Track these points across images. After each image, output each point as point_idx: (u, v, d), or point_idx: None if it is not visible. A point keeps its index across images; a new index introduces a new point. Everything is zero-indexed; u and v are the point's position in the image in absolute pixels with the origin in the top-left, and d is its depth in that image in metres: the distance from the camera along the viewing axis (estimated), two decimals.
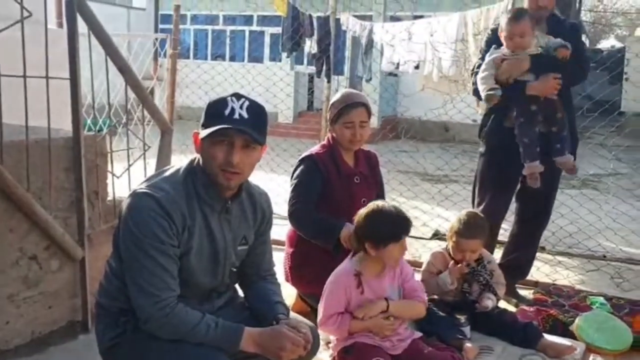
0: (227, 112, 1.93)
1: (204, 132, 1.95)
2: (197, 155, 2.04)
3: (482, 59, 3.44)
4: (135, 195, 1.94)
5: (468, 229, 2.83)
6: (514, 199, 3.66)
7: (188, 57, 16.20)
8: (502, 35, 3.31)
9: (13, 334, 2.78)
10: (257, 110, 1.98)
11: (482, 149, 3.64)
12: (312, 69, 9.65)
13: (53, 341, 2.92)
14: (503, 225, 3.77)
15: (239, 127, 1.91)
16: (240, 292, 2.34)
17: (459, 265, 2.86)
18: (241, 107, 1.95)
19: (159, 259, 1.88)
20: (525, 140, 3.29)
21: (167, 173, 2.03)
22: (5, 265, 2.70)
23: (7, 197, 2.62)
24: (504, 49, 3.32)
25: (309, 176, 3.05)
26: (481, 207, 3.52)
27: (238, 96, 1.98)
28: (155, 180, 1.99)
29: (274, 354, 1.97)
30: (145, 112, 3.44)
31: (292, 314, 2.23)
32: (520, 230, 3.67)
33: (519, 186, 3.54)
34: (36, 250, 2.84)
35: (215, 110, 1.95)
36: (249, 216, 2.15)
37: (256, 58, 16.24)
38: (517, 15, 3.27)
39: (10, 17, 2.62)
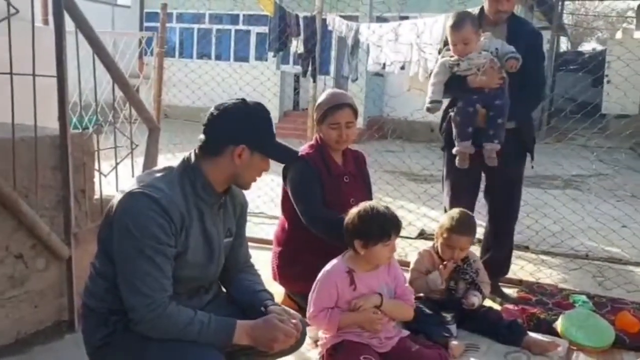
0: (274, 128, 2.08)
1: (269, 151, 2.05)
2: (187, 154, 2.07)
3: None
4: (132, 195, 1.92)
5: (460, 225, 2.86)
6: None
7: (174, 56, 16.10)
8: (449, 40, 3.32)
9: None
10: None
11: (442, 144, 3.68)
12: (298, 68, 9.63)
13: (39, 341, 2.89)
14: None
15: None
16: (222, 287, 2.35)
17: (445, 263, 2.89)
18: None
19: (156, 259, 1.87)
20: (459, 118, 3.33)
21: (161, 173, 2.03)
22: None
23: None
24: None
25: (306, 178, 3.03)
26: (448, 202, 3.58)
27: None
28: (149, 180, 1.99)
29: (266, 345, 1.99)
30: (132, 110, 3.43)
31: (282, 306, 2.25)
32: (491, 228, 3.72)
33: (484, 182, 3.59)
34: (22, 249, 2.81)
35: (268, 126, 2.06)
36: (230, 209, 2.20)
37: (242, 57, 16.18)
38: (458, 23, 3.22)
39: None
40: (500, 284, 3.79)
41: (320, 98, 3.18)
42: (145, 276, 1.86)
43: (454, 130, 3.36)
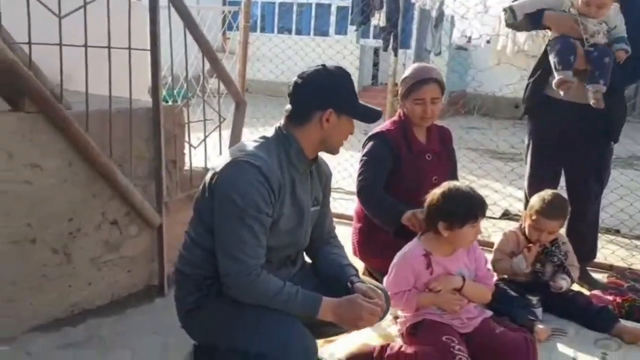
0: (355, 90, 2.11)
1: (355, 112, 2.07)
2: (279, 123, 2.10)
3: None
4: (235, 163, 1.97)
5: (551, 208, 2.74)
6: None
7: (255, 30, 16.26)
8: None
9: (95, 295, 2.94)
10: None
11: (522, 114, 3.58)
12: (378, 42, 9.49)
13: (131, 303, 3.06)
14: None
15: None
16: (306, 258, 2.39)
17: (530, 245, 2.79)
18: None
19: (254, 227, 1.92)
20: (558, 46, 3.15)
21: (257, 143, 2.07)
22: (88, 229, 2.85)
23: (91, 164, 2.75)
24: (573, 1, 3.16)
25: (378, 154, 3.00)
26: (527, 175, 3.51)
27: None
28: (248, 149, 2.03)
29: (350, 323, 2.01)
30: (220, 84, 3.50)
31: (363, 278, 2.27)
32: (571, 207, 3.54)
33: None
34: (117, 215, 2.96)
35: (351, 88, 2.08)
36: (316, 179, 2.23)
37: (322, 32, 16.14)
38: None
39: None
40: (588, 268, 3.63)
41: (406, 72, 3.10)
42: (242, 244, 1.91)
43: (554, 61, 3.17)
